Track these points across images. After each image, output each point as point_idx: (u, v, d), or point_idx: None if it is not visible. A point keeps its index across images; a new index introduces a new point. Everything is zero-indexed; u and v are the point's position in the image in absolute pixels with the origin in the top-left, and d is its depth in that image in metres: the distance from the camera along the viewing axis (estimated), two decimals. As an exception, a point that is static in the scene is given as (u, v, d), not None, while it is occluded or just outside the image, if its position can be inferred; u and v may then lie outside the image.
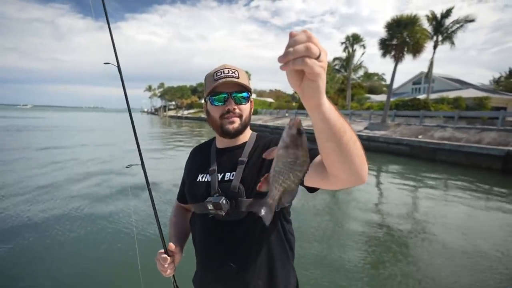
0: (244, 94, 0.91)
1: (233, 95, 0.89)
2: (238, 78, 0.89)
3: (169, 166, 8.21)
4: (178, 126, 29.70)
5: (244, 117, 0.92)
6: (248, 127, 0.98)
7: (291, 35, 0.44)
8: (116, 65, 0.94)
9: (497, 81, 32.94)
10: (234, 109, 0.89)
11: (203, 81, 0.99)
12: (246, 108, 0.93)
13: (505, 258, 3.32)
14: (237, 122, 0.91)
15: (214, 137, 1.05)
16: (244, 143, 0.95)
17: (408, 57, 15.12)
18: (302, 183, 0.72)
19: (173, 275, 1.01)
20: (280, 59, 0.43)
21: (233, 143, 0.96)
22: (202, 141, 1.11)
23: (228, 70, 0.89)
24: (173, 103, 74.84)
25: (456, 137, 11.24)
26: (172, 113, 65.55)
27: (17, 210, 4.36)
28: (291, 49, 0.42)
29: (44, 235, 3.45)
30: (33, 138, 14.30)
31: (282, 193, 0.53)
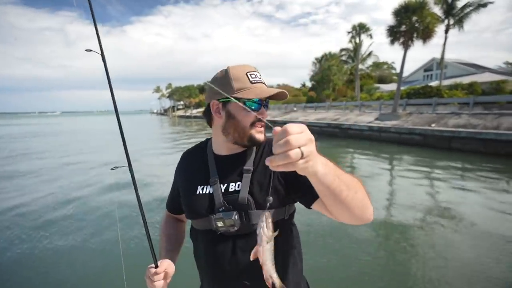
0: (268, 101, 0.85)
1: (266, 102, 0.83)
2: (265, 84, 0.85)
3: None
4: (186, 126, 29.98)
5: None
6: None
7: (274, 132, 0.47)
8: (100, 52, 0.74)
9: (515, 63, 31.44)
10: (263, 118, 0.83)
11: (209, 80, 0.87)
12: None
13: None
14: (263, 131, 0.84)
15: (207, 140, 0.95)
16: (246, 149, 0.87)
17: (418, 44, 14.62)
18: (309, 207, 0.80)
19: None
20: (269, 162, 0.47)
21: (235, 150, 0.86)
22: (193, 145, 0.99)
23: (260, 75, 0.84)
24: (182, 103, 75.53)
25: (472, 124, 10.83)
26: (180, 112, 66.20)
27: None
28: (276, 157, 0.46)
29: (22, 248, 3.24)
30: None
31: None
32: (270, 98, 0.83)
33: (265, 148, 0.87)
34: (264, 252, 0.63)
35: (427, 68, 30.31)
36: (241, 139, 0.83)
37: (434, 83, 21.58)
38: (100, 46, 0.74)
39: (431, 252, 3.21)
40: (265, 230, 0.61)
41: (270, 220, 0.62)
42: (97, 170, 7.56)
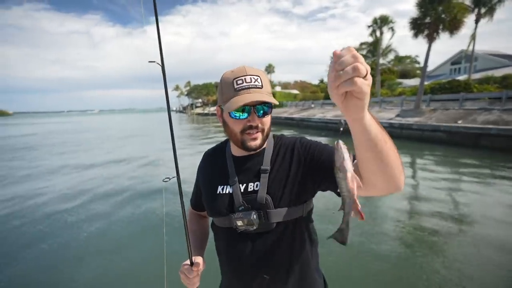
0: (268, 104, 0.82)
1: (257, 108, 0.80)
2: (261, 87, 0.79)
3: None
4: (204, 124, 30.49)
5: (266, 130, 0.84)
6: None
7: (336, 55, 0.45)
8: (161, 64, 0.80)
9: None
10: (257, 125, 0.82)
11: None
12: (268, 120, 0.85)
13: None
14: (259, 138, 0.83)
15: (227, 141, 0.97)
16: (263, 149, 0.88)
17: (444, 36, 13.86)
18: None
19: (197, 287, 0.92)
20: (332, 83, 0.46)
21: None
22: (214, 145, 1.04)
23: (250, 78, 0.78)
24: (200, 100, 76.99)
25: (504, 120, 10.16)
26: (199, 110, 67.49)
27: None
28: (340, 72, 0.44)
29: (72, 246, 3.43)
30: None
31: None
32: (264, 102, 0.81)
33: (281, 149, 0.89)
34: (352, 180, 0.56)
35: (454, 61, 28.60)
36: (237, 144, 0.86)
37: (462, 77, 20.39)
38: (162, 58, 0.80)
39: (450, 257, 3.14)
40: (346, 159, 0.56)
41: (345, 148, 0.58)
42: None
